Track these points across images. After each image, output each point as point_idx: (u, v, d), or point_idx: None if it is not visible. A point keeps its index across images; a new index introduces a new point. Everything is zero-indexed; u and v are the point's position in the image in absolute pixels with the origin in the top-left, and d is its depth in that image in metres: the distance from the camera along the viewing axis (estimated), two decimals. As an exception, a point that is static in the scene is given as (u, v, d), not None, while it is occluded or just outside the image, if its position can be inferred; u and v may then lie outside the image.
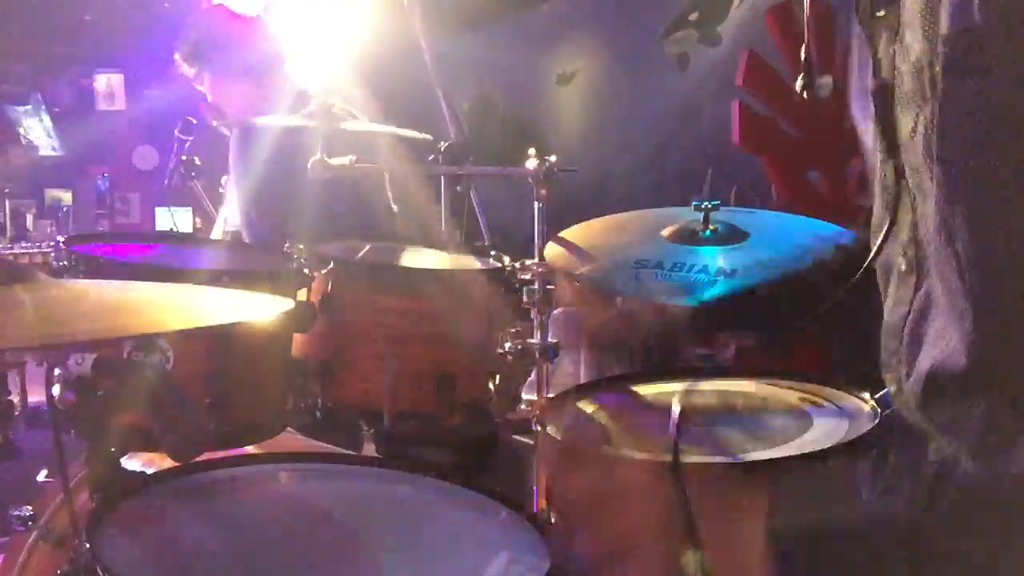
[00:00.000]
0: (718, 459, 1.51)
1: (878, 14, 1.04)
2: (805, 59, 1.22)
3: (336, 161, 2.57)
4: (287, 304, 1.43)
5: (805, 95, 1.26)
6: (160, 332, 1.35)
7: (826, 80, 1.22)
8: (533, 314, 2.10)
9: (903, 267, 1.05)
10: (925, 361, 1.00)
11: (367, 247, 2.23)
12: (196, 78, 3.31)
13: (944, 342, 0.97)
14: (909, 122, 0.99)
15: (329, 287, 1.91)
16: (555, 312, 3.57)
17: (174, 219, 6.45)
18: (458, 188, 2.80)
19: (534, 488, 2.14)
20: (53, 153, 7.44)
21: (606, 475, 0.99)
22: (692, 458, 1.51)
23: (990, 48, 0.85)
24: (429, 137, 2.87)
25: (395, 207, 3.03)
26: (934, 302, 1.00)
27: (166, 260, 1.90)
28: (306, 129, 2.77)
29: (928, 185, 0.95)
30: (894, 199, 1.07)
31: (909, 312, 1.04)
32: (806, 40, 1.27)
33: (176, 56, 3.33)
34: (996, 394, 0.93)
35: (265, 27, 3.41)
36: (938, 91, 0.91)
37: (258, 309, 1.42)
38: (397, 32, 3.82)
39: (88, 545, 1.12)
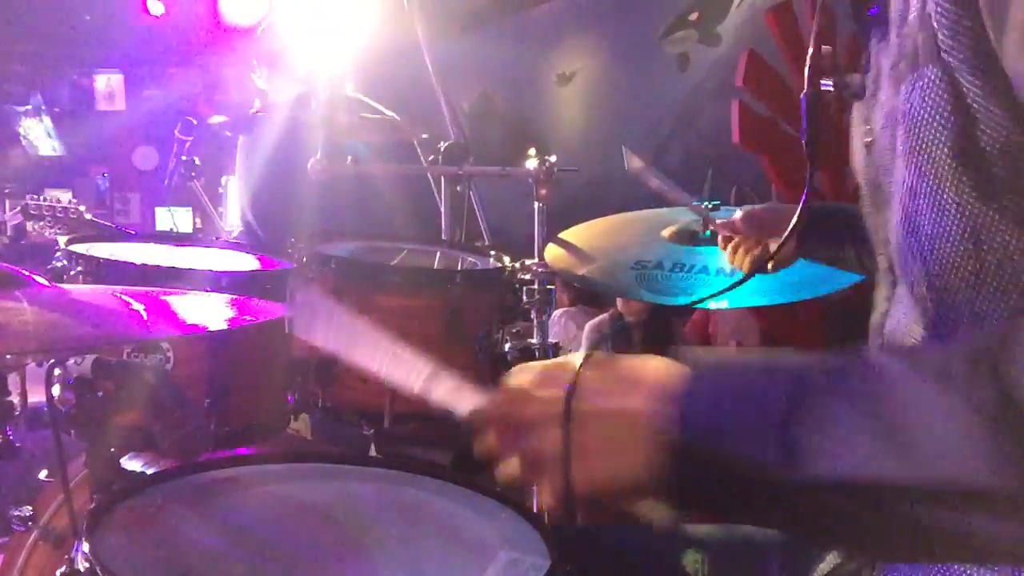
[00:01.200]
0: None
1: (870, 13, 1.04)
2: (830, 60, 1.22)
3: (336, 161, 2.57)
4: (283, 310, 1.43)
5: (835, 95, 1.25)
6: (161, 337, 1.35)
7: (854, 79, 1.22)
8: (533, 314, 2.10)
9: (884, 265, 1.06)
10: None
11: (367, 247, 2.23)
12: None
13: (909, 340, 0.98)
14: (881, 119, 1.00)
15: (329, 287, 1.91)
16: (555, 312, 3.57)
17: (174, 219, 6.46)
18: (458, 188, 2.80)
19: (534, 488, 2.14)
20: (53, 153, 7.45)
21: None
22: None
23: (948, 35, 0.85)
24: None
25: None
26: (901, 299, 1.00)
27: (166, 261, 1.90)
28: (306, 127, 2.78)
29: (898, 178, 0.95)
30: (865, 202, 1.08)
31: (887, 311, 1.04)
32: (830, 42, 1.27)
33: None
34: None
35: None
36: (903, 84, 0.92)
37: (258, 314, 1.42)
38: (397, 32, 3.82)
39: (88, 545, 1.12)
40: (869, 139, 1.05)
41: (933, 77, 0.87)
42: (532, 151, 2.33)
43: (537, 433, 0.86)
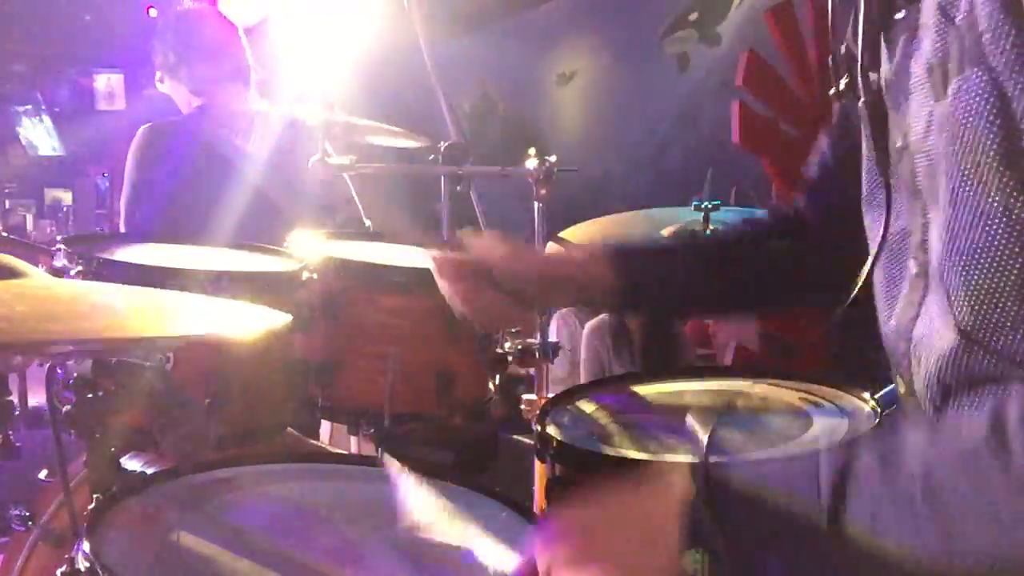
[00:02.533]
0: (717, 459, 1.51)
1: (897, 16, 1.03)
2: (833, 61, 1.21)
3: (336, 161, 2.57)
4: (283, 319, 1.43)
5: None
6: (160, 338, 1.35)
7: (873, 78, 1.21)
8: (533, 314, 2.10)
9: (914, 271, 1.05)
10: (929, 365, 1.00)
11: (367, 247, 2.23)
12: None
13: (941, 345, 0.97)
14: (922, 124, 0.99)
15: (329, 287, 1.91)
16: (556, 313, 3.57)
17: (174, 219, 6.45)
18: (458, 188, 2.80)
19: (534, 488, 2.14)
20: (53, 153, 7.44)
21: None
22: (690, 458, 1.51)
23: (992, 39, 0.85)
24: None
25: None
26: (934, 304, 1.00)
27: (166, 261, 1.90)
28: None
29: (940, 185, 0.95)
30: (889, 209, 1.07)
31: (918, 315, 1.03)
32: (830, 44, 1.27)
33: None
34: (998, 391, 0.94)
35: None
36: (949, 87, 0.91)
37: (256, 317, 1.42)
38: (397, 32, 3.82)
39: (88, 545, 1.12)
40: (901, 142, 1.04)
41: (977, 80, 0.87)
42: (532, 151, 2.33)
43: None
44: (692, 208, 2.22)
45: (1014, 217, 0.87)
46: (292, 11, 4.03)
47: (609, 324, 3.82)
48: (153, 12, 6.26)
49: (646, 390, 1.84)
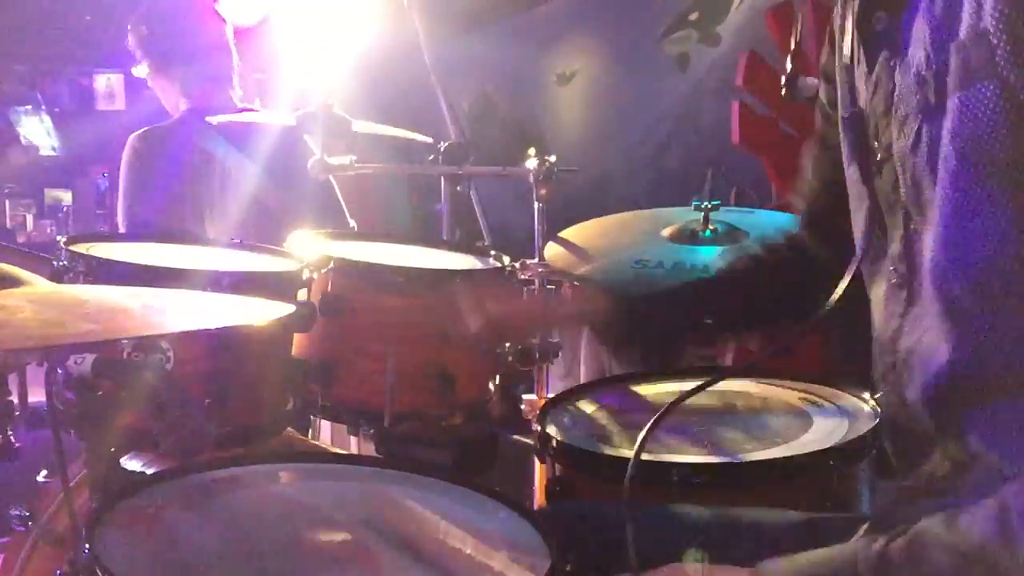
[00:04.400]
0: (717, 459, 1.51)
1: (877, 28, 1.03)
2: (792, 59, 1.23)
3: (336, 161, 2.57)
4: (287, 309, 1.43)
5: (789, 96, 1.27)
6: (161, 335, 1.35)
7: (810, 82, 1.23)
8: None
9: (894, 280, 1.05)
10: (926, 377, 1.00)
11: (367, 247, 2.23)
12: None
13: (941, 357, 0.97)
14: (909, 136, 0.98)
15: (329, 287, 1.91)
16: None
17: (174, 219, 6.45)
18: (458, 188, 2.80)
19: (534, 488, 2.14)
20: (53, 153, 7.44)
21: None
22: (690, 458, 1.51)
23: (1008, 52, 0.85)
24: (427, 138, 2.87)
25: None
26: (927, 314, 0.99)
27: (166, 261, 1.90)
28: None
29: (930, 196, 0.94)
30: (871, 219, 1.07)
31: (901, 327, 1.03)
32: (795, 43, 1.28)
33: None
34: (993, 399, 0.94)
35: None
36: (949, 100, 0.91)
37: (258, 312, 1.42)
38: (397, 32, 3.82)
39: (88, 545, 1.12)
40: (881, 155, 1.03)
41: (990, 94, 0.87)
42: (532, 151, 2.33)
43: None
44: (692, 208, 2.21)
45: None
46: (292, 11, 4.03)
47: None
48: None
49: (646, 390, 1.85)
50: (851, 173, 1.13)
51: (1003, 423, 0.93)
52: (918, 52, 0.95)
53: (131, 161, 3.01)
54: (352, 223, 2.99)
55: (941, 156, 0.92)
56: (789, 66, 1.41)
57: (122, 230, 3.01)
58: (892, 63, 1.01)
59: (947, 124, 0.91)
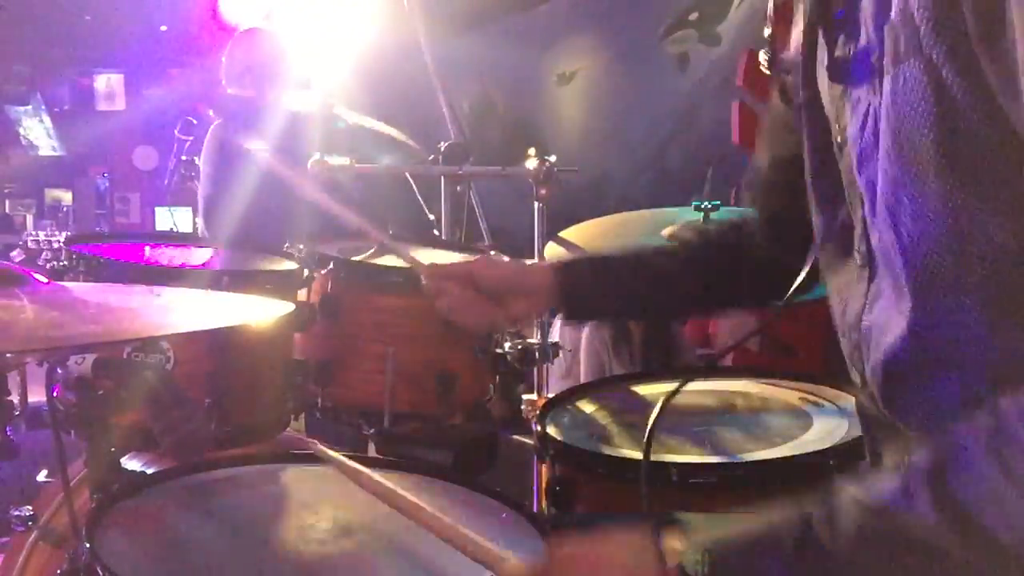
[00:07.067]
0: (717, 459, 1.51)
1: (836, 12, 1.05)
2: (769, 38, 1.25)
3: (336, 161, 2.58)
4: (286, 307, 1.43)
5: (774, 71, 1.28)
6: (161, 336, 1.35)
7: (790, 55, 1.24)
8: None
9: (859, 262, 1.06)
10: (878, 353, 1.01)
11: (368, 247, 2.23)
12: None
13: (891, 333, 0.98)
14: (859, 118, 1.00)
15: (329, 287, 1.91)
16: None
17: (174, 219, 6.45)
18: (458, 188, 2.80)
19: (534, 488, 2.14)
20: (53, 153, 7.44)
21: None
22: (690, 458, 1.51)
23: (931, 30, 0.86)
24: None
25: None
26: (882, 293, 1.01)
27: (166, 261, 1.90)
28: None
29: (875, 176, 0.96)
30: (834, 203, 1.09)
31: (864, 306, 1.05)
32: (770, 18, 1.29)
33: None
34: (931, 379, 0.95)
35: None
36: (884, 80, 0.93)
37: (258, 312, 1.42)
38: (397, 32, 3.82)
39: (88, 545, 1.12)
40: (840, 138, 1.05)
41: (916, 71, 0.89)
42: (532, 151, 2.33)
43: None
44: (692, 208, 2.21)
45: (950, 205, 0.88)
46: (293, 11, 4.03)
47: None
48: (163, 27, 6.38)
49: (646, 390, 1.84)
50: (809, 160, 1.14)
51: (941, 404, 0.95)
52: (864, 37, 0.98)
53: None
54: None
55: (881, 131, 0.94)
56: (768, 38, 1.44)
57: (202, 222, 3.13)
58: (847, 47, 1.02)
59: (883, 103, 0.93)
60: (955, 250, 0.90)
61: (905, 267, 0.95)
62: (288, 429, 1.96)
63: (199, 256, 2.04)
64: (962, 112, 0.86)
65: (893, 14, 0.92)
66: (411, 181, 2.98)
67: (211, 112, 3.56)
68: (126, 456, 1.61)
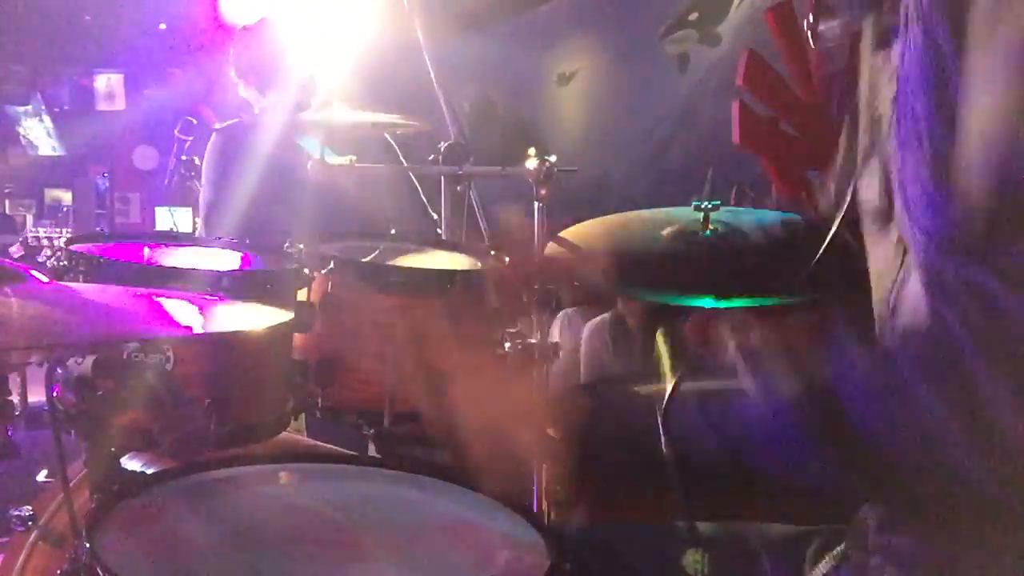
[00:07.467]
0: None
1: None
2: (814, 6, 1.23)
3: (336, 161, 2.57)
4: (285, 316, 1.43)
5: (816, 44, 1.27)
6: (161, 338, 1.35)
7: (831, 25, 1.23)
8: (533, 314, 2.10)
9: (895, 240, 1.06)
10: (903, 330, 1.01)
11: (368, 247, 2.23)
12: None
13: (917, 310, 0.98)
14: (886, 83, 1.00)
15: (329, 287, 1.91)
16: (560, 313, 3.57)
17: (174, 219, 6.45)
18: (458, 188, 2.80)
19: (534, 488, 2.13)
20: (53, 153, 7.44)
21: None
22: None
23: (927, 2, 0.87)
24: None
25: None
26: (911, 274, 1.01)
27: (166, 261, 1.90)
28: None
29: (891, 142, 0.96)
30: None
31: (894, 283, 1.04)
32: None
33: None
34: (966, 361, 0.94)
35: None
36: (895, 49, 0.94)
37: (258, 317, 1.42)
38: (397, 32, 3.82)
39: (88, 545, 1.12)
40: (878, 111, 1.05)
41: (917, 37, 0.89)
42: (532, 151, 2.32)
43: None
44: (692, 208, 2.20)
45: (944, 172, 0.88)
46: (292, 11, 4.03)
47: (609, 323, 3.83)
48: (162, 26, 6.37)
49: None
50: (862, 138, 1.14)
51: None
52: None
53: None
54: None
55: (895, 101, 0.95)
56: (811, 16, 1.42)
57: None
58: (891, 15, 1.03)
59: (894, 66, 0.94)
60: (946, 219, 0.90)
61: (905, 236, 0.94)
62: (288, 429, 1.96)
63: (199, 256, 2.04)
64: (951, 81, 0.87)
65: None
66: (415, 181, 2.99)
67: (215, 122, 3.59)
68: (126, 456, 1.61)
